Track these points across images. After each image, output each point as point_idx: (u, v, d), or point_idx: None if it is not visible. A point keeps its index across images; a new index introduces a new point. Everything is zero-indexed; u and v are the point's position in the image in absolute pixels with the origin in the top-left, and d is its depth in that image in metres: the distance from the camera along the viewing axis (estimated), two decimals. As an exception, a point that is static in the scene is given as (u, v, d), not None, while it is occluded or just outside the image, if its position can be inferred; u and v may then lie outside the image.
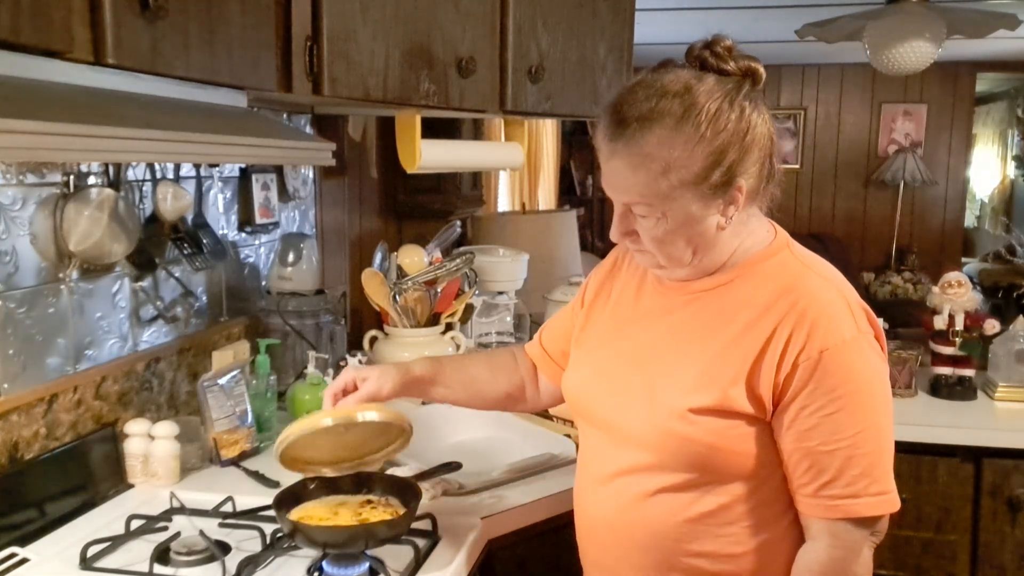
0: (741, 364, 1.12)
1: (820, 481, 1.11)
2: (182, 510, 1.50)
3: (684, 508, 1.17)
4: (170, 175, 1.79)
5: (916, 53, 3.36)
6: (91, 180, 1.58)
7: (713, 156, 1.09)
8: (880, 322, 1.19)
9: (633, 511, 1.20)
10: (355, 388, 1.35)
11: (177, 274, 1.84)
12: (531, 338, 1.54)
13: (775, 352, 1.10)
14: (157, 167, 1.76)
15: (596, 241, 6.55)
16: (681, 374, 1.16)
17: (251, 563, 1.31)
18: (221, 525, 1.45)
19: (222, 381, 1.75)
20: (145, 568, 1.30)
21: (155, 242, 1.77)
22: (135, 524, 1.43)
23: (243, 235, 2.13)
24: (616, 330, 1.30)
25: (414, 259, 2.25)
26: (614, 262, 1.38)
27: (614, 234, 1.17)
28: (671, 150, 1.08)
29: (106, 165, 1.61)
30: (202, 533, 1.37)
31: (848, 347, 1.10)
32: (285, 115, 2.20)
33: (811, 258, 1.21)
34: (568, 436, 1.78)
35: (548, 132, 5.93)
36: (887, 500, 1.12)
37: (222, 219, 2.03)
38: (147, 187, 1.75)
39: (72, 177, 1.53)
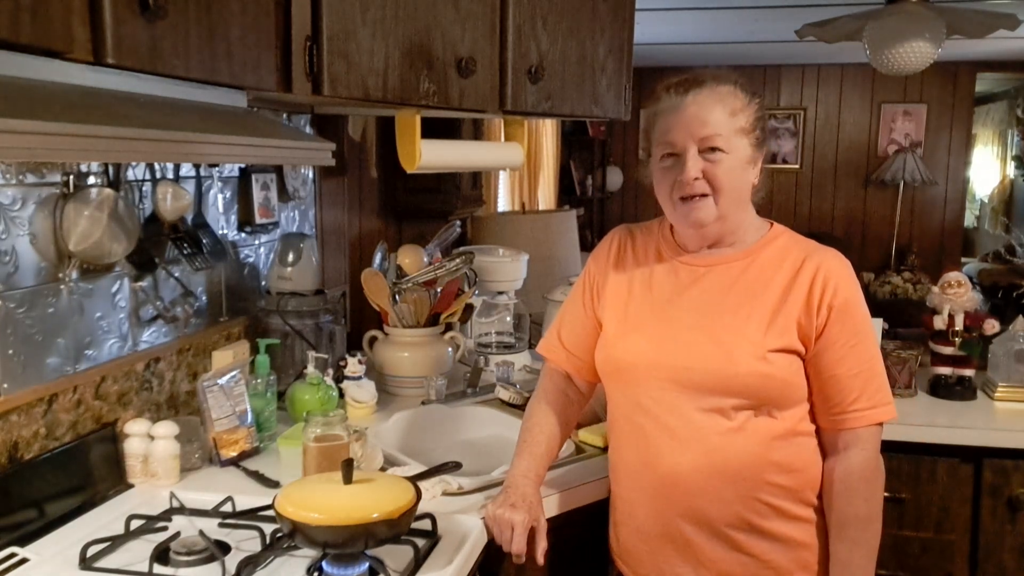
0: (793, 312, 1.42)
1: (851, 397, 1.42)
2: (182, 510, 1.50)
3: (762, 436, 1.41)
4: (170, 175, 1.79)
5: (916, 53, 3.36)
6: (91, 180, 1.58)
7: (756, 120, 1.44)
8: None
9: (722, 449, 1.41)
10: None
11: (177, 274, 1.84)
12: (531, 339, 1.57)
13: (814, 301, 1.41)
14: (157, 167, 1.76)
15: (595, 241, 6.53)
16: (751, 325, 1.42)
17: (251, 563, 1.31)
18: (221, 525, 1.45)
19: (222, 381, 1.75)
20: (145, 568, 1.30)
21: (155, 242, 1.77)
22: (135, 524, 1.43)
23: (243, 235, 2.13)
24: (653, 303, 1.51)
25: (414, 259, 2.25)
26: (618, 246, 1.59)
27: (690, 174, 1.40)
28: (735, 101, 1.42)
29: (106, 165, 1.61)
30: (202, 533, 1.37)
31: (859, 295, 1.45)
32: (285, 115, 2.19)
33: (808, 239, 1.53)
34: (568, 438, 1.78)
35: (548, 132, 5.92)
36: (892, 407, 1.45)
37: (222, 219, 2.03)
38: (147, 187, 1.75)
39: (72, 177, 1.53)
